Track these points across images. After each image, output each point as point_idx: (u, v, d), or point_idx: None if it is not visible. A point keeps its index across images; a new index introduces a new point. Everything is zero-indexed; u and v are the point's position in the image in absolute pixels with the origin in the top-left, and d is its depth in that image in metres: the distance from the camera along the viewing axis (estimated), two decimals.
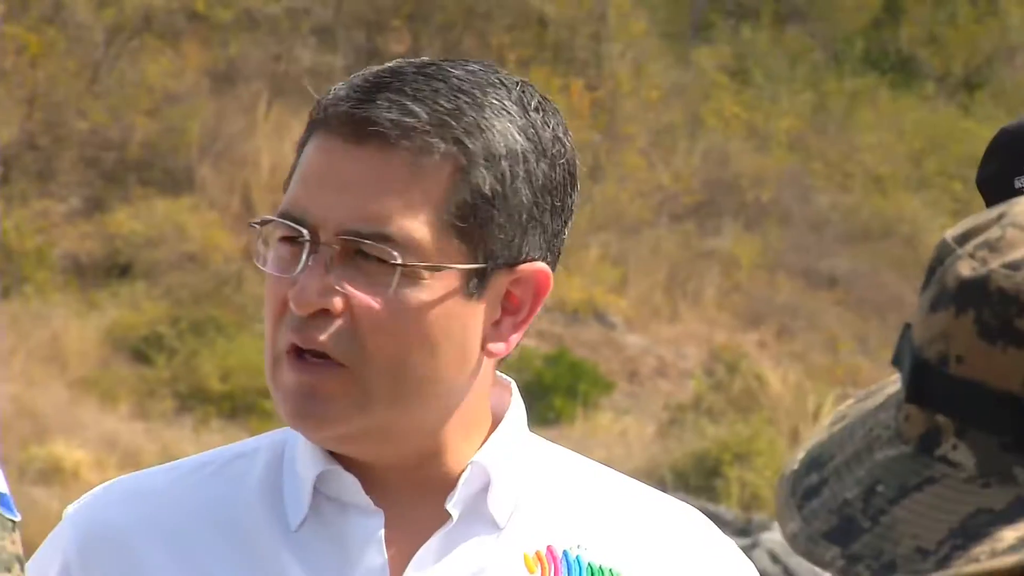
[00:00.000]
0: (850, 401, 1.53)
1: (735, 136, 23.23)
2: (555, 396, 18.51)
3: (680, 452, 17.60)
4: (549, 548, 2.22)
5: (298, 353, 2.12)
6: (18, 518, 2.10)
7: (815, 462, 1.45)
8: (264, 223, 2.17)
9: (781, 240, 20.62)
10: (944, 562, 1.31)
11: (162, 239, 19.73)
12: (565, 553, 2.24)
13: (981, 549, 1.29)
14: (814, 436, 1.47)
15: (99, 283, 19.46)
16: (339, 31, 22.95)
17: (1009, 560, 1.29)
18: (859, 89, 23.26)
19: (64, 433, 16.31)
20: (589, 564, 2.25)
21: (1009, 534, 1.27)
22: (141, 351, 18.36)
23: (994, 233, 1.36)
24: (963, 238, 1.38)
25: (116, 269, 19.69)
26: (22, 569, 2.06)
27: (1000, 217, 1.38)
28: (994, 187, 3.03)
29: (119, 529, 2.25)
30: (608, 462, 2.50)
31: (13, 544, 2.10)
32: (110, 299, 19.15)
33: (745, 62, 24.29)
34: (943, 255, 1.38)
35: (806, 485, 1.42)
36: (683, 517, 2.30)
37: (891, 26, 25.35)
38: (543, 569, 2.22)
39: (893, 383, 1.47)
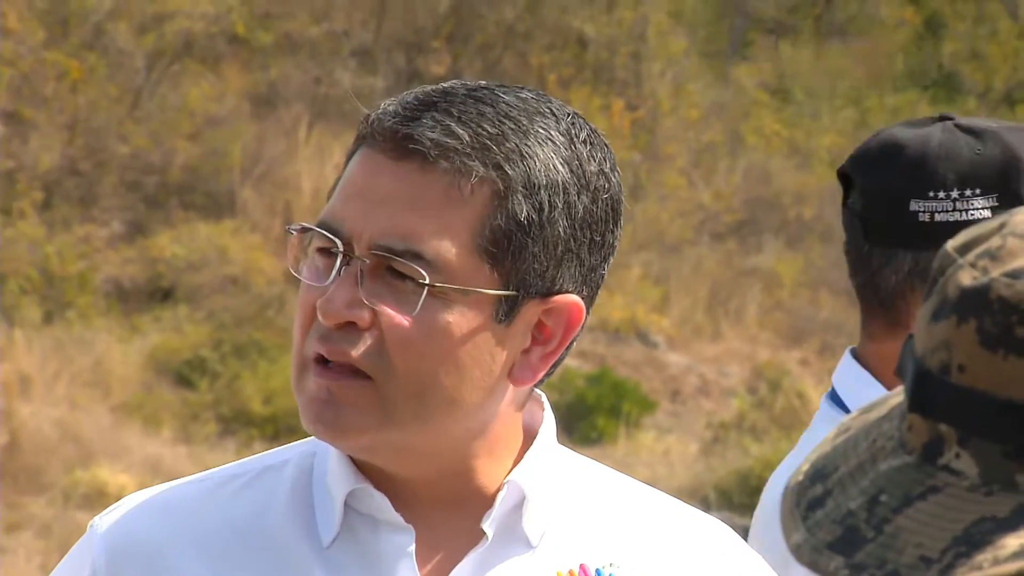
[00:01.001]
0: (855, 413, 1.52)
1: (776, 154, 23.05)
2: (598, 416, 18.38)
3: (724, 470, 17.48)
4: (582, 567, 2.20)
5: (324, 362, 2.10)
6: None
7: (819, 473, 1.44)
8: (302, 231, 2.16)
9: (823, 257, 20.43)
10: (947, 570, 1.31)
11: (204, 262, 19.67)
12: (598, 572, 2.21)
13: (984, 557, 1.28)
14: (819, 448, 1.46)
15: (142, 307, 19.42)
16: (379, 53, 22.84)
17: (1012, 567, 1.28)
18: (900, 105, 23.05)
19: (108, 457, 16.28)
20: None
21: (1012, 541, 1.26)
22: (184, 375, 18.30)
23: (995, 243, 1.35)
24: (964, 248, 1.37)
25: (158, 293, 19.63)
26: None
27: (1001, 227, 1.37)
28: (885, 203, 3.04)
29: (149, 541, 2.21)
30: (651, 481, 2.50)
31: None
32: (152, 323, 19.10)
33: (785, 80, 24.10)
34: (945, 265, 1.37)
35: (810, 496, 1.42)
36: (715, 534, 2.27)
37: (932, 42, 25.13)
38: None
39: (897, 395, 1.47)
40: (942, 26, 25.25)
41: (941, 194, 2.94)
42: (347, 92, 20.58)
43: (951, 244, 1.42)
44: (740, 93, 23.80)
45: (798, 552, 1.41)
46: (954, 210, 2.93)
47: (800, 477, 1.44)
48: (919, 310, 3.15)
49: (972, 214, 2.95)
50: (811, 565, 1.39)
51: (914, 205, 2.94)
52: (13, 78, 21.04)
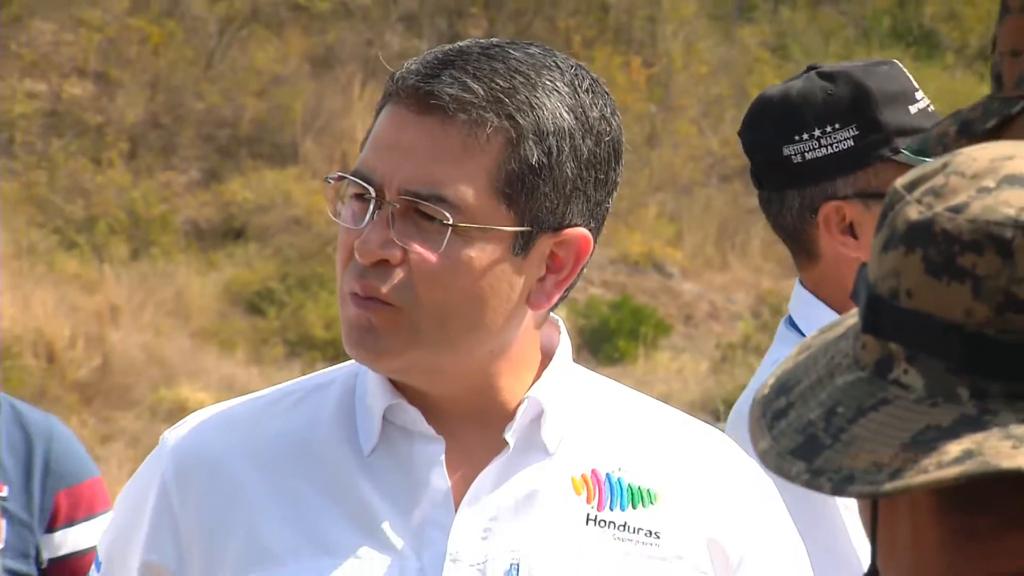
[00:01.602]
0: (815, 333, 1.54)
1: None
2: (619, 338, 18.46)
3: (731, 385, 17.47)
4: (594, 471, 2.21)
5: (359, 297, 2.11)
6: None
7: (783, 387, 1.46)
8: (339, 179, 2.18)
9: None
10: (897, 474, 1.32)
11: (271, 205, 19.70)
12: (608, 475, 2.22)
13: (929, 461, 1.29)
14: (782, 364, 1.49)
15: (217, 245, 19.48)
16: (424, 18, 22.78)
17: (954, 471, 1.29)
18: None
19: (188, 377, 16.36)
20: (629, 485, 2.23)
21: (954, 447, 1.28)
22: (255, 304, 18.38)
23: (939, 181, 1.36)
24: (911, 186, 1.39)
25: (231, 233, 19.69)
26: None
27: (944, 166, 1.38)
28: (764, 153, 3.12)
29: (210, 453, 2.23)
30: (667, 395, 2.51)
31: None
32: (226, 259, 19.17)
33: (784, 39, 24.06)
34: (894, 201, 1.38)
35: (775, 408, 1.44)
36: (715, 443, 2.27)
37: (914, 5, 25.05)
38: (588, 490, 2.20)
39: (852, 316, 1.48)
40: None
41: (805, 135, 3.00)
42: (393, 57, 20.54)
43: (900, 182, 1.42)
44: (744, 51, 23.77)
45: (764, 457, 1.42)
46: (820, 147, 2.99)
47: (766, 391, 1.45)
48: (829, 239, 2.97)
49: (837, 146, 3.01)
50: (776, 469, 1.40)
51: (786, 150, 3.01)
52: (101, 43, 21.11)
